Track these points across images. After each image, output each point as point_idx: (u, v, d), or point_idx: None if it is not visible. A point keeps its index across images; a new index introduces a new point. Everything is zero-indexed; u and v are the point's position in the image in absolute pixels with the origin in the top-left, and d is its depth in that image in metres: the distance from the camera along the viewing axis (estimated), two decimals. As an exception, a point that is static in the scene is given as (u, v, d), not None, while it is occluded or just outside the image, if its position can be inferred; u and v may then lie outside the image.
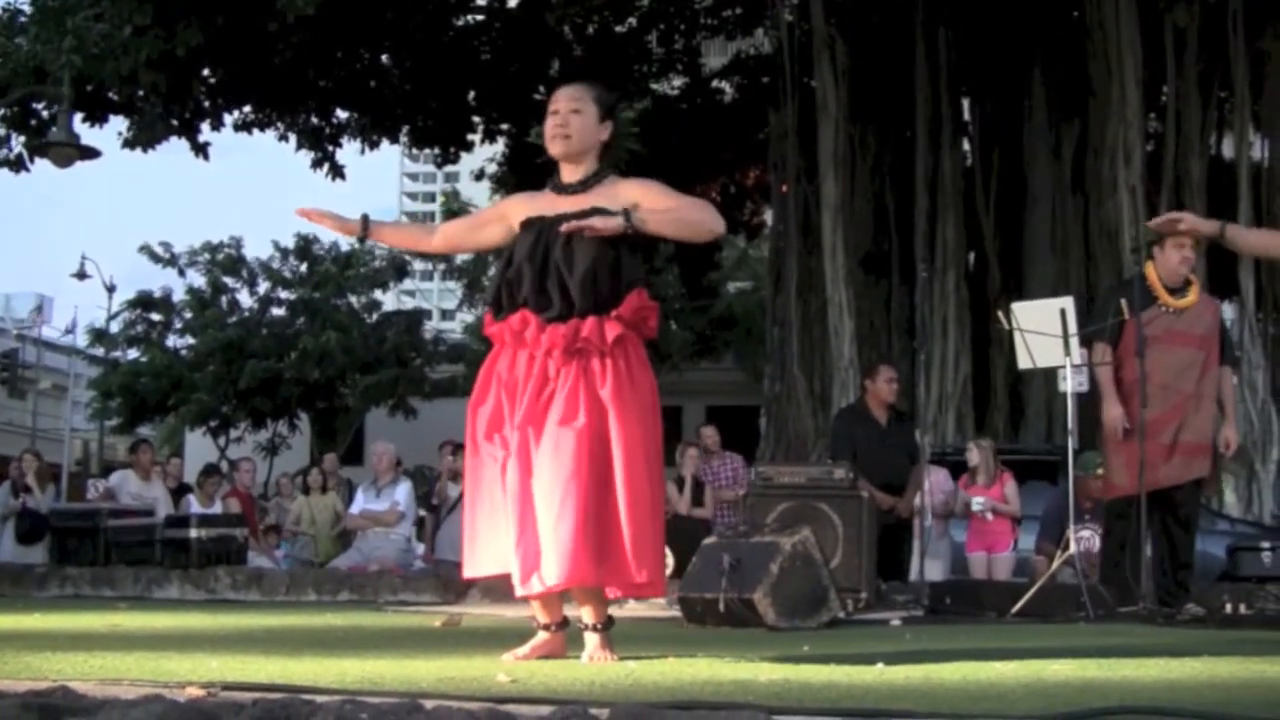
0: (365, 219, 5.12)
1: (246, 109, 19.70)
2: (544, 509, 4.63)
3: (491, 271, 34.10)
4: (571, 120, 4.94)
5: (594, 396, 4.73)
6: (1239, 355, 16.78)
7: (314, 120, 20.46)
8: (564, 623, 5.00)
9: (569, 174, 4.99)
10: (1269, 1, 16.06)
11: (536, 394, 4.77)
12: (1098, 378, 8.48)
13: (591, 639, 4.86)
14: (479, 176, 25.18)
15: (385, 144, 21.57)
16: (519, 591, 4.75)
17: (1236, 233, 4.93)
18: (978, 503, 11.46)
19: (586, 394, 4.73)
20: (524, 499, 4.67)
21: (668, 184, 4.98)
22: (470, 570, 4.94)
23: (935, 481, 11.05)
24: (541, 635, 4.97)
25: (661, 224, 4.86)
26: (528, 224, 4.92)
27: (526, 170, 22.02)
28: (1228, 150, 19.16)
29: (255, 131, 20.07)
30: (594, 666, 4.62)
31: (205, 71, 17.86)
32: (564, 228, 4.77)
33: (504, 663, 4.73)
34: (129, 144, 17.37)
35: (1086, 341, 8.54)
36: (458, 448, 13.08)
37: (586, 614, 4.89)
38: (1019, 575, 10.97)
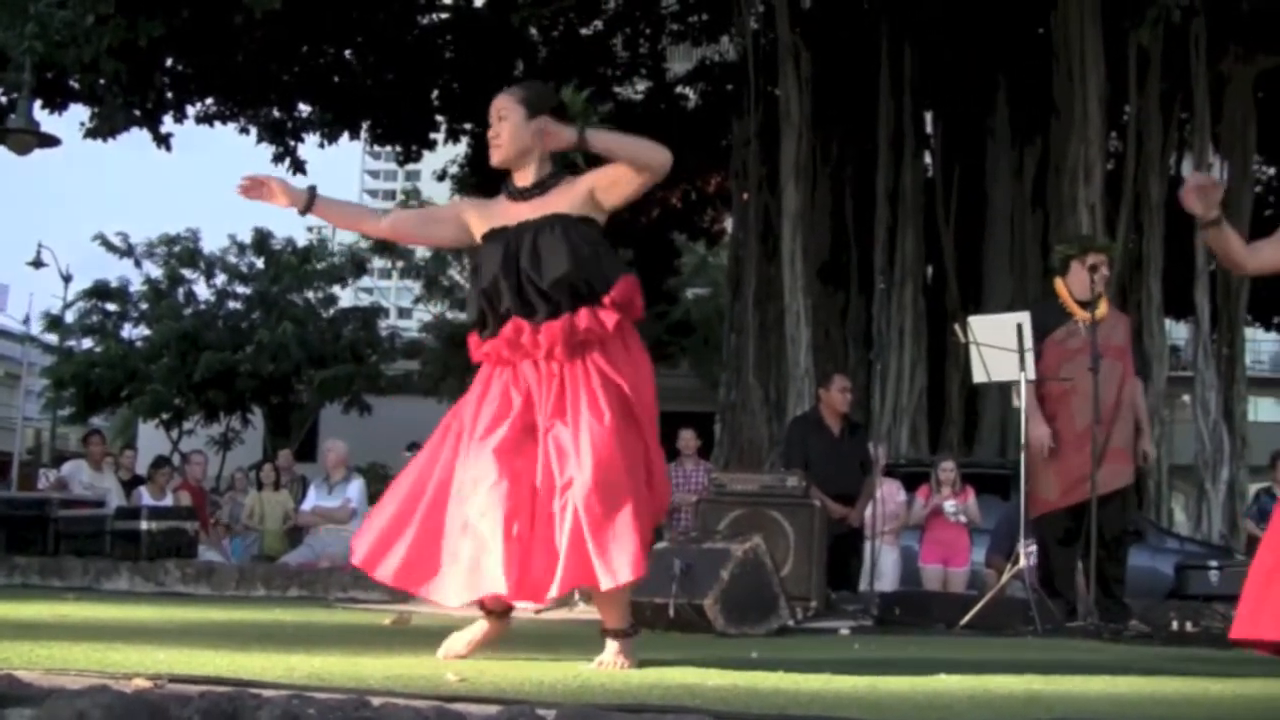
0: (312, 191, 5.05)
1: (209, 101, 19.62)
2: (587, 511, 4.53)
3: (452, 271, 34.18)
4: (501, 130, 4.97)
5: (612, 388, 4.70)
6: (1193, 372, 16.94)
7: (276, 114, 20.39)
8: (510, 608, 4.97)
9: (521, 179, 4.99)
10: (1230, 25, 16.18)
11: (556, 396, 4.72)
12: (1024, 397, 8.54)
13: (612, 645, 4.79)
14: (441, 176, 25.15)
15: (347, 140, 21.51)
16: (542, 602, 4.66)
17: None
18: (950, 506, 11.51)
19: (604, 388, 4.69)
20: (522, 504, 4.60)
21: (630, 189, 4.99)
22: (441, 597, 4.76)
23: (887, 492, 11.09)
24: (482, 625, 4.94)
25: (609, 142, 4.87)
26: (491, 236, 4.92)
27: (489, 171, 21.99)
28: (1187, 171, 19.31)
29: (217, 124, 19.99)
30: (542, 666, 4.61)
31: (168, 62, 17.78)
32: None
33: (443, 660, 4.74)
34: (91, 134, 17.28)
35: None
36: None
37: (611, 619, 4.82)
38: (970, 589, 11.03)
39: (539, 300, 4.76)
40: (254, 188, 5.07)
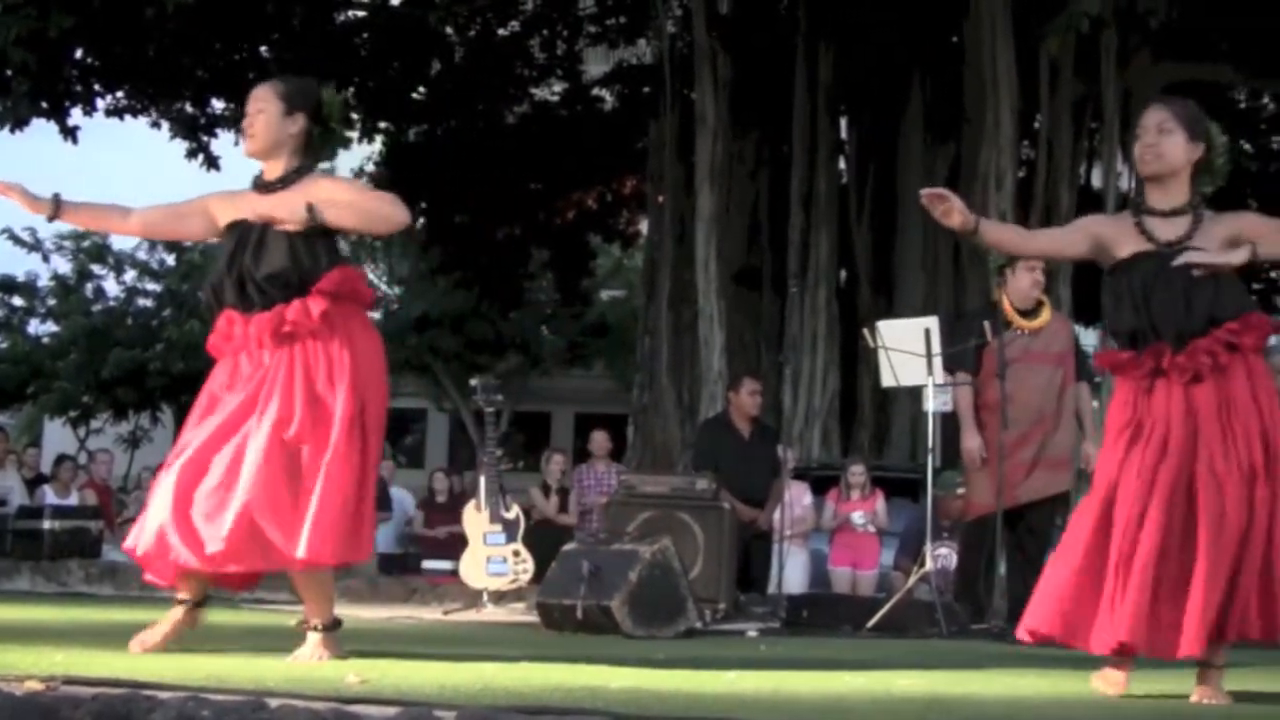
0: (56, 199, 5.03)
1: (119, 94, 19.37)
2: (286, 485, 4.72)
3: (372, 271, 34.02)
4: (256, 121, 5.03)
5: (308, 381, 4.80)
6: (1101, 378, 17.09)
7: (189, 109, 20.16)
8: (204, 600, 5.09)
9: (269, 172, 5.08)
10: (1139, 36, 16.35)
11: (254, 382, 4.86)
12: (957, 406, 8.60)
13: (313, 638, 4.91)
14: (357, 174, 24.99)
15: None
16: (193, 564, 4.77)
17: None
18: (859, 517, 11.56)
19: (301, 380, 4.80)
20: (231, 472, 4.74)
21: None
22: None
23: (795, 495, 11.12)
24: (176, 612, 5.01)
25: (341, 216, 4.93)
26: (230, 229, 5.01)
27: (405, 169, 21.94)
28: (1097, 180, 19.51)
29: (128, 118, 19.74)
30: (446, 668, 4.60)
31: (78, 54, 17.54)
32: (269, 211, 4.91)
33: (138, 652, 4.81)
34: (-3, 125, 16.99)
35: (950, 367, 8.66)
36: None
37: (312, 612, 4.97)
38: (879, 591, 11.08)
39: (256, 294, 4.87)
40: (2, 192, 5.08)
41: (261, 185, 5.06)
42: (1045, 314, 8.71)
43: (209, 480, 4.71)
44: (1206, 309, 4.65)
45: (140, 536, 4.79)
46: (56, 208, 5.02)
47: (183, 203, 5.22)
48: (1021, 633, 4.77)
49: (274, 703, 3.15)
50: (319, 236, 4.95)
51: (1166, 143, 4.77)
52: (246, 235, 4.91)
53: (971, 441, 8.54)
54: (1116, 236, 4.81)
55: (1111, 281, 4.81)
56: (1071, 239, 5.06)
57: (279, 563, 4.80)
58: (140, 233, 5.50)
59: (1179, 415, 4.62)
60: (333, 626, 4.96)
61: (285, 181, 5.01)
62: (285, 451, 4.73)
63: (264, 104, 5.02)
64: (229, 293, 4.91)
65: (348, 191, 5.09)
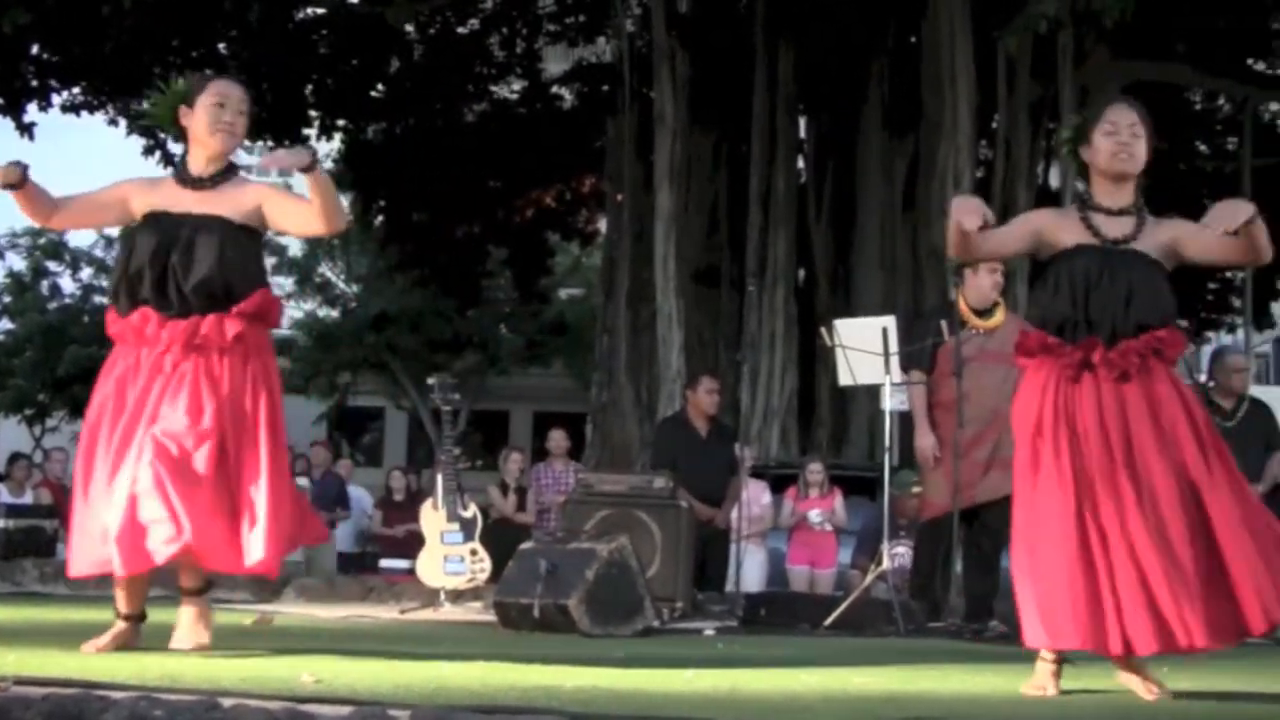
0: (25, 169, 4.91)
1: (76, 90, 19.26)
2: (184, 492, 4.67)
3: (324, 268, 33.93)
4: (239, 123, 5.10)
5: (215, 393, 4.84)
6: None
7: (146, 105, 20.03)
8: (144, 615, 5.07)
9: (201, 166, 5.08)
10: (1096, 37, 16.43)
11: (160, 391, 4.85)
12: (912, 405, 8.63)
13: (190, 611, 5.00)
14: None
15: (218, 135, 21.18)
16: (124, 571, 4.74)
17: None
18: (815, 515, 11.58)
19: (210, 392, 4.83)
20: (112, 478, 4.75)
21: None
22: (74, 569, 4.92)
23: (753, 494, 11.13)
24: (121, 625, 4.98)
25: (323, 185, 4.98)
26: (151, 220, 4.98)
27: (364, 167, 21.89)
28: (1055, 180, 19.62)
29: (84, 114, 19.63)
30: (401, 667, 4.59)
31: (34, 50, 17.43)
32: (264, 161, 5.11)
33: (84, 652, 4.78)
34: (-50, 122, 16.92)
35: (905, 366, 8.69)
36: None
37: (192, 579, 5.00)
38: (837, 590, 11.10)
39: (176, 297, 4.87)
40: None
41: (189, 180, 5.04)
42: (1000, 314, 8.76)
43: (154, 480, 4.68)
44: (1142, 312, 4.70)
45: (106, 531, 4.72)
46: (24, 177, 4.91)
47: (99, 191, 5.17)
48: (1043, 644, 4.69)
49: (227, 702, 3.14)
50: (248, 242, 5.01)
51: (1137, 145, 4.82)
52: (173, 233, 4.89)
53: (925, 440, 8.57)
54: (1059, 228, 4.86)
55: (1051, 270, 4.84)
56: (1016, 233, 5.08)
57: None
58: (60, 224, 5.38)
59: (1112, 414, 4.64)
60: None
61: (214, 181, 5.03)
62: (214, 460, 4.76)
63: (244, 107, 5.10)
64: (147, 288, 4.88)
65: (291, 198, 5.17)
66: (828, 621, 8.03)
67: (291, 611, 8.20)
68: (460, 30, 21.70)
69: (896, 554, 8.75)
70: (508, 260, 25.33)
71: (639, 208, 18.55)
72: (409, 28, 20.51)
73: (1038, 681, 4.67)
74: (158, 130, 19.78)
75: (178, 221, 4.92)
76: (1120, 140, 4.81)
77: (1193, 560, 4.47)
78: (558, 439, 13.14)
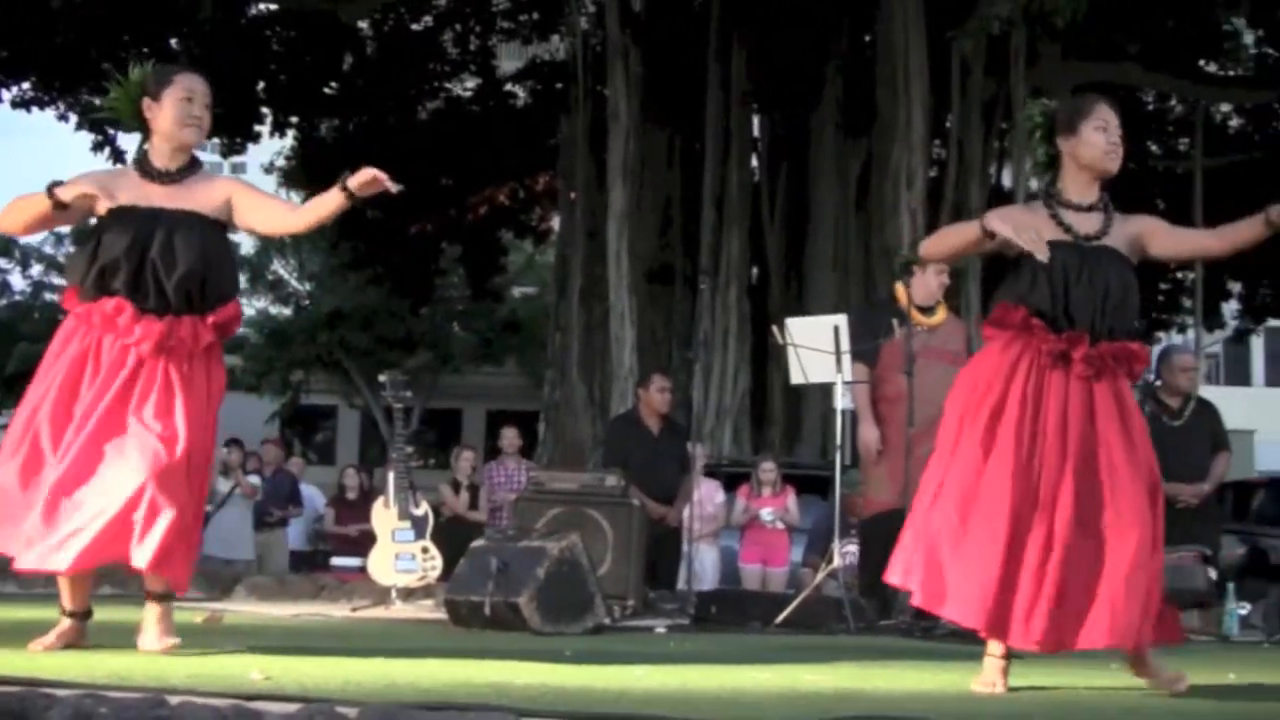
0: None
1: (25, 85, 19.14)
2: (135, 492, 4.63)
3: (277, 265, 33.79)
4: (206, 117, 5.02)
5: (189, 396, 4.80)
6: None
7: (96, 101, 19.92)
8: (89, 613, 5.02)
9: (166, 160, 5.01)
10: (1049, 38, 16.51)
11: (124, 383, 4.77)
12: (855, 399, 8.65)
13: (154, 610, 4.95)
14: (268, 169, 24.80)
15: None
16: (67, 568, 4.67)
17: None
18: (767, 513, 11.59)
19: (182, 395, 4.79)
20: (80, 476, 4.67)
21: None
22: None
23: (706, 493, 11.14)
24: (67, 622, 4.93)
25: (257, 213, 5.02)
26: (121, 214, 4.87)
27: (317, 164, 21.80)
28: (1008, 180, 19.71)
29: (35, 109, 19.51)
30: (352, 664, 4.58)
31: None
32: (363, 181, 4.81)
33: (31, 651, 4.73)
34: (-102, 117, 16.81)
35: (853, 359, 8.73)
36: (230, 442, 12.89)
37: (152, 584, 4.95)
38: (790, 588, 11.12)
39: (155, 293, 4.81)
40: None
41: (154, 173, 4.97)
42: (941, 312, 8.84)
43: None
44: (1117, 316, 4.72)
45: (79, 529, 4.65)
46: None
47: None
48: (935, 609, 4.73)
49: (174, 700, 3.12)
50: (223, 239, 4.99)
51: (1121, 147, 4.83)
52: (149, 228, 4.81)
53: (870, 433, 8.62)
54: (1031, 225, 4.78)
55: (1026, 265, 4.76)
56: (972, 224, 5.00)
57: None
58: (27, 230, 5.17)
59: (1077, 412, 4.65)
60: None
61: (181, 175, 4.97)
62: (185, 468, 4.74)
63: (209, 101, 5.01)
64: (122, 280, 4.81)
65: (265, 200, 5.13)
66: (779, 619, 8.04)
67: (242, 609, 8.16)
68: (414, 27, 21.67)
69: (847, 552, 8.77)
70: (461, 258, 25.30)
71: (592, 206, 18.56)
72: (362, 24, 20.47)
73: (986, 678, 4.68)
74: (110, 125, 19.72)
75: (152, 215, 4.85)
76: (1113, 140, 4.81)
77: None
78: (510, 437, 13.12)
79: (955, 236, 5.05)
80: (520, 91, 23.00)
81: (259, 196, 5.08)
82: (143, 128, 5.08)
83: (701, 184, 18.04)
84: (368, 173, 4.78)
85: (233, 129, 21.49)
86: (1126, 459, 4.60)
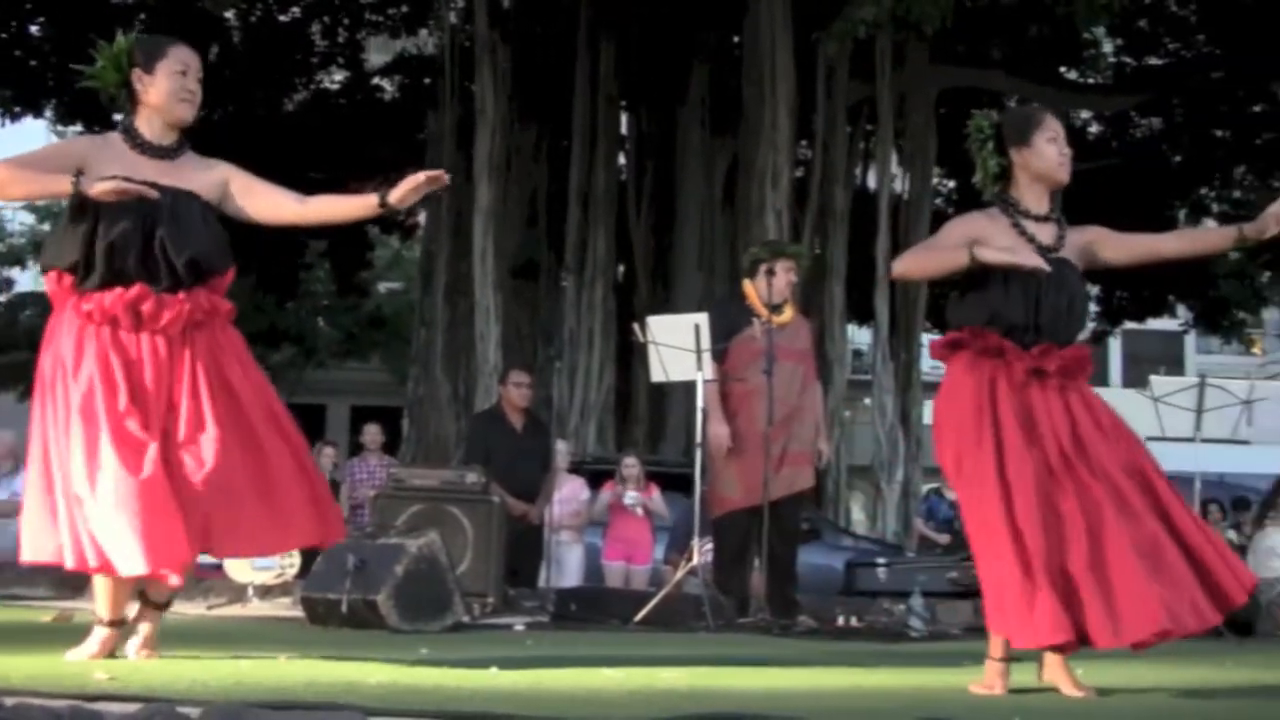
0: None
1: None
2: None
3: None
4: (198, 90, 4.88)
5: (234, 370, 4.78)
6: (873, 376, 17.49)
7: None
8: (124, 621, 4.92)
9: (158, 134, 4.85)
10: (915, 41, 16.71)
11: (167, 377, 4.65)
12: (705, 396, 8.67)
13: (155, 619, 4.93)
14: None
15: (31, 119, 20.77)
16: (144, 570, 4.51)
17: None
18: (630, 496, 11.56)
19: (223, 375, 4.74)
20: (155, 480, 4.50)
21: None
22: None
23: (571, 490, 11.14)
24: (106, 632, 4.87)
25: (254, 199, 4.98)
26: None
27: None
28: (872, 181, 19.93)
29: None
30: (202, 664, 4.54)
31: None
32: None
33: (69, 661, 4.66)
34: None
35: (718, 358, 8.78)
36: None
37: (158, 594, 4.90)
38: (652, 586, 11.13)
39: (165, 271, 4.67)
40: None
41: (147, 147, 4.79)
42: (789, 311, 8.92)
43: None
44: (1075, 325, 4.82)
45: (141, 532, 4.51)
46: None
47: (47, 155, 4.80)
48: (1031, 644, 4.59)
49: (10, 701, 3.06)
50: (216, 221, 4.84)
51: (1069, 156, 4.85)
52: (152, 202, 4.61)
53: (722, 429, 8.67)
54: (994, 235, 4.75)
55: (995, 275, 4.70)
56: (955, 244, 4.82)
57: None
58: (19, 194, 4.83)
59: (1061, 419, 4.65)
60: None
61: (175, 151, 4.83)
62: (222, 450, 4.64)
63: (201, 75, 4.87)
64: (132, 259, 4.62)
65: (261, 185, 4.99)
66: (638, 617, 8.05)
67: (93, 608, 8.02)
68: (281, 18, 21.45)
69: (708, 549, 8.80)
70: (326, 253, 25.08)
71: (459, 201, 18.48)
72: (229, 14, 20.20)
73: (987, 681, 4.66)
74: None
75: (157, 189, 4.66)
76: (1064, 152, 4.83)
77: (1164, 543, 4.52)
78: (372, 433, 13.04)
79: (936, 264, 4.92)
80: (388, 86, 22.85)
81: (259, 182, 4.94)
82: (128, 101, 4.85)
83: (568, 181, 18.06)
84: (414, 180, 4.71)
85: (93, 114, 21.13)
86: (1112, 456, 4.61)
